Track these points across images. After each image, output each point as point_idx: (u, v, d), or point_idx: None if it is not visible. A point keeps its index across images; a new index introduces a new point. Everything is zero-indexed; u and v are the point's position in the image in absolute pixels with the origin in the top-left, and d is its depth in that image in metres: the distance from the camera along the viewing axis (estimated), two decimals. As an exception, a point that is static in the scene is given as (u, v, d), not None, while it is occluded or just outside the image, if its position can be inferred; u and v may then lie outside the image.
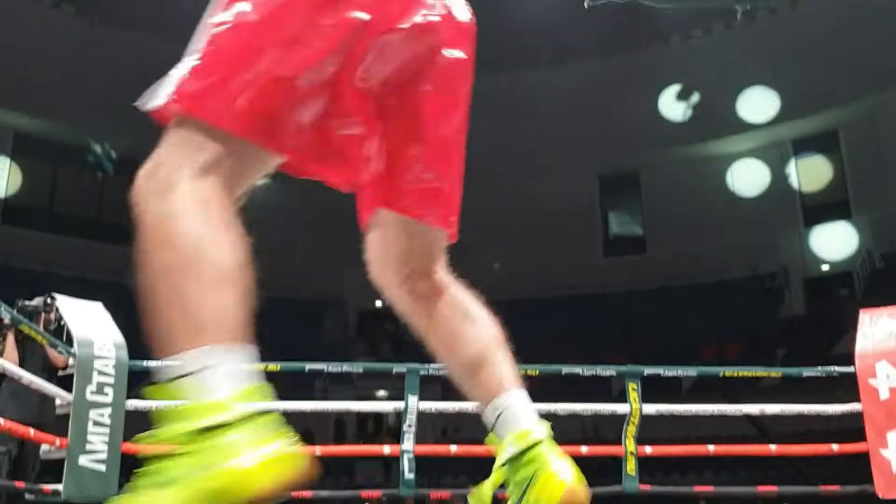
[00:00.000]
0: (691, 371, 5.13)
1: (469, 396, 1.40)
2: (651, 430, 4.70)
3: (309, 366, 4.86)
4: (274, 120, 1.14)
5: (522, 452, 1.27)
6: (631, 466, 4.45)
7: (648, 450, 4.56)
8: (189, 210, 1.05)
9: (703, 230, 17.94)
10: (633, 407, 4.49)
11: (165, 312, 1.01)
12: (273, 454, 0.92)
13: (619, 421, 4.61)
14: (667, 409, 4.75)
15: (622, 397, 4.62)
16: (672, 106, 18.82)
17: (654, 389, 4.80)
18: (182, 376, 0.97)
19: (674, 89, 18.70)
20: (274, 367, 4.60)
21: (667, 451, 4.90)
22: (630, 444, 4.48)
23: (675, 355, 6.95)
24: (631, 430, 4.49)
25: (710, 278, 17.60)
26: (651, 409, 4.56)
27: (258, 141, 1.13)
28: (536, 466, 1.25)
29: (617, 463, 4.53)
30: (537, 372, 5.12)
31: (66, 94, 15.82)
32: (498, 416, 1.34)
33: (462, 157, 1.43)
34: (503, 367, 1.38)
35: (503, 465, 1.29)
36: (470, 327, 1.39)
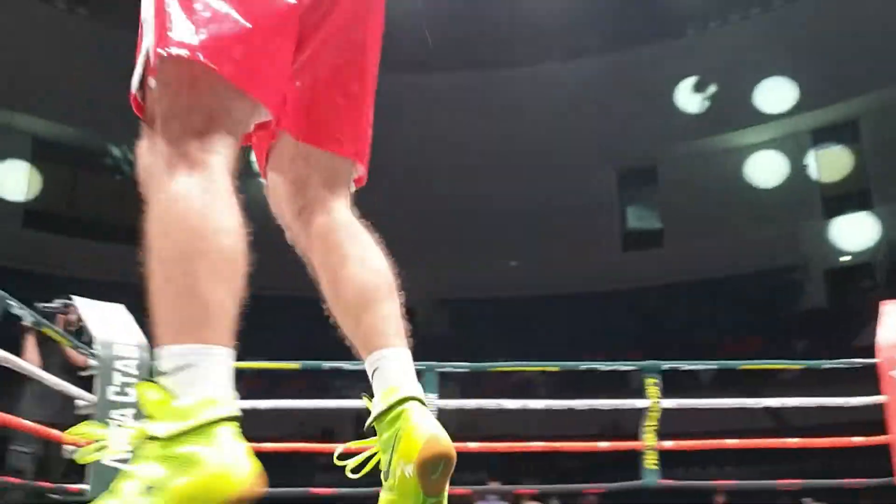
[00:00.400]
0: (710, 365, 5.11)
1: (351, 344, 1.32)
2: (671, 424, 4.69)
3: (327, 364, 4.88)
4: (262, 69, 1.11)
5: (388, 409, 1.19)
6: (651, 461, 4.44)
7: (668, 444, 4.55)
8: (195, 191, 1.03)
9: (722, 223, 17.84)
10: (652, 401, 4.48)
11: (162, 300, 1.02)
12: (232, 464, 0.94)
13: (637, 416, 4.60)
14: (686, 402, 4.74)
15: (640, 392, 4.61)
16: (689, 98, 18.72)
17: (674, 384, 4.79)
18: (166, 373, 0.99)
19: (690, 81, 18.60)
20: (294, 365, 4.63)
21: (686, 444, 4.88)
22: (650, 439, 4.47)
23: (695, 350, 6.92)
24: (650, 425, 4.48)
25: (729, 272, 17.50)
26: (670, 402, 4.55)
27: (254, 92, 1.10)
28: (401, 424, 1.18)
29: (636, 458, 4.52)
30: (557, 368, 5.13)
31: (83, 99, 15.95)
32: (374, 372, 1.26)
33: (374, 84, 1.35)
34: (388, 320, 1.27)
35: (371, 423, 1.23)
36: (359, 269, 1.28)
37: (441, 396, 4.51)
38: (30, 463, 4.59)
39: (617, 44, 18.00)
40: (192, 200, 1.02)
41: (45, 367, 4.51)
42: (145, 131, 1.16)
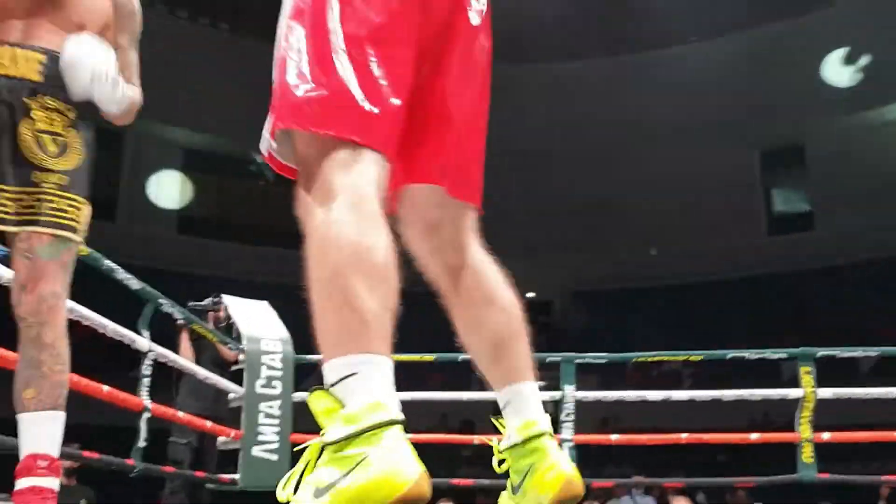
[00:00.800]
0: (870, 352, 4.79)
1: (485, 379, 1.44)
2: (827, 416, 4.42)
3: (464, 356, 4.89)
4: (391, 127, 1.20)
5: (525, 441, 1.33)
6: (807, 454, 4.20)
7: (826, 436, 4.29)
8: (346, 216, 1.10)
9: (878, 203, 16.70)
10: (806, 391, 4.23)
11: (323, 316, 1.09)
12: (399, 465, 0.98)
13: (791, 407, 4.36)
14: (845, 392, 4.45)
15: (793, 382, 4.37)
16: (838, 72, 17.63)
17: (830, 373, 4.51)
18: (333, 384, 1.05)
19: (840, 53, 17.51)
20: (428, 357, 4.67)
21: (847, 437, 4.59)
22: (806, 431, 4.23)
23: (850, 337, 6.52)
24: (806, 416, 4.24)
25: (886, 254, 16.37)
26: (827, 392, 4.29)
27: (384, 150, 1.18)
28: (537, 456, 1.31)
29: (790, 451, 4.29)
30: (701, 357, 4.92)
31: (225, 110, 16.73)
32: (507, 403, 1.38)
33: (485, 134, 1.44)
34: (520, 356, 1.40)
35: (506, 450, 1.35)
36: (493, 311, 1.40)
37: (579, 388, 4.42)
38: (187, 454, 4.83)
39: (759, 18, 17.16)
40: (343, 224, 1.10)
41: (198, 363, 4.74)
42: (297, 177, 1.24)
